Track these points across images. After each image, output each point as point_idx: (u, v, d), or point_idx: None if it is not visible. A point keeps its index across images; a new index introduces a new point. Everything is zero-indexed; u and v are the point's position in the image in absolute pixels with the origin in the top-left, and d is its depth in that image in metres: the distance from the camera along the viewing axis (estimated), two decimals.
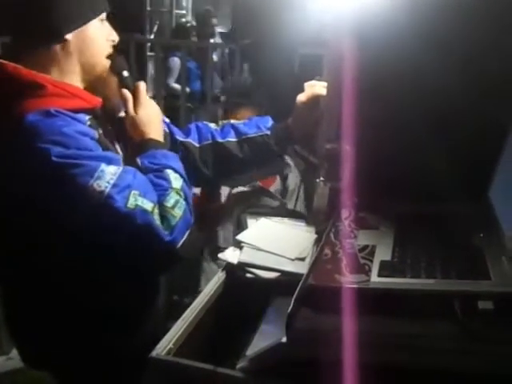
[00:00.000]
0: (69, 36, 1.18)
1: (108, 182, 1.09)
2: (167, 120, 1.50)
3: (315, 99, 1.44)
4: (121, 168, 1.14)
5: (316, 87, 1.45)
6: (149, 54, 4.38)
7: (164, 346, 1.07)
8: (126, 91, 1.32)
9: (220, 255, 1.37)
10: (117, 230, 1.11)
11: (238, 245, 1.39)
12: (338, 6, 1.24)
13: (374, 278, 0.99)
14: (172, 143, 1.45)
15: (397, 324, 0.92)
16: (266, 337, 1.09)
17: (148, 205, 1.11)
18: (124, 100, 1.32)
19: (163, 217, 1.13)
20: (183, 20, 5.45)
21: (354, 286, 0.96)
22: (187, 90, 3.45)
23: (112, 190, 1.09)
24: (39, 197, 1.11)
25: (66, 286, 1.23)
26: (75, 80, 1.22)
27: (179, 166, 1.26)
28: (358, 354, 0.91)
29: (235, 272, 1.33)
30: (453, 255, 1.04)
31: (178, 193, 1.18)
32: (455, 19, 1.18)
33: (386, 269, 1.01)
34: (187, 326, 1.15)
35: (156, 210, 1.12)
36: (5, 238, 1.22)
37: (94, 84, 1.26)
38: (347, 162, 1.29)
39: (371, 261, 1.05)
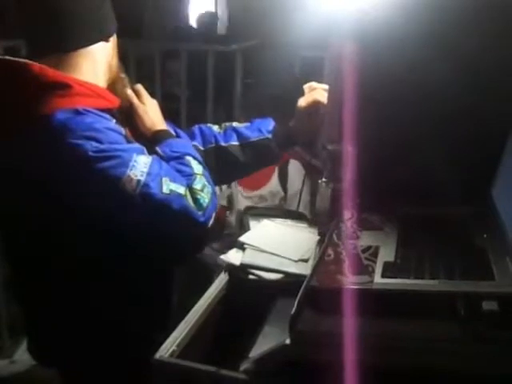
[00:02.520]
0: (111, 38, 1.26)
1: (142, 171, 1.13)
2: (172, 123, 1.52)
3: (315, 105, 1.45)
4: (150, 157, 1.18)
5: (316, 92, 1.46)
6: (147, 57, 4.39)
7: (167, 348, 1.07)
8: (129, 91, 1.38)
9: (222, 257, 1.37)
10: (156, 216, 1.15)
11: (241, 246, 1.39)
12: (340, 8, 1.24)
13: (378, 278, 0.99)
14: None
15: (400, 325, 0.92)
16: (270, 338, 1.09)
17: (181, 189, 1.16)
18: (129, 97, 1.38)
19: (195, 199, 1.17)
20: (183, 23, 5.47)
21: (358, 287, 0.96)
22: (187, 93, 3.45)
23: (147, 178, 1.13)
24: (77, 192, 1.14)
25: (90, 284, 1.25)
26: (100, 80, 1.26)
27: (196, 153, 1.32)
28: (362, 355, 0.91)
29: (238, 273, 1.32)
30: (456, 256, 1.04)
31: (202, 177, 1.23)
32: (457, 21, 1.18)
33: (389, 270, 1.01)
34: (190, 327, 1.14)
35: (188, 193, 1.17)
36: (38, 234, 1.24)
37: (111, 84, 1.31)
38: (349, 163, 1.29)
39: (374, 262, 1.05)
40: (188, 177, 1.21)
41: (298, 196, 2.63)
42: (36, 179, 1.14)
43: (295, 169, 2.60)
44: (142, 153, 1.18)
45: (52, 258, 1.25)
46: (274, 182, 2.63)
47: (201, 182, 1.21)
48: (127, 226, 1.16)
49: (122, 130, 1.21)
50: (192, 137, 1.53)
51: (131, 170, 1.12)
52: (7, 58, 1.18)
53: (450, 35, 1.18)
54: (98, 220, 1.16)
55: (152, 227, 1.16)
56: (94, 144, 1.11)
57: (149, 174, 1.13)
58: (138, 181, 1.12)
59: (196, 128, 1.55)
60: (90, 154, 1.10)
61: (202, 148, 1.51)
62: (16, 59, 1.17)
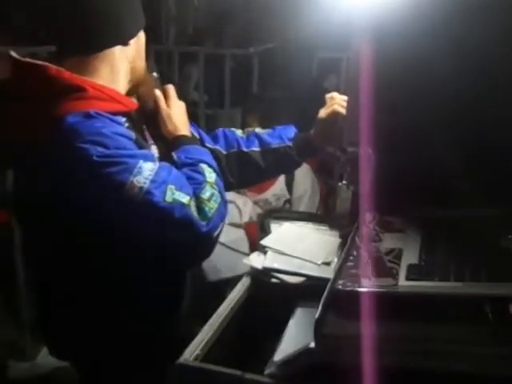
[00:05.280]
0: (132, 41, 1.26)
1: (146, 178, 1.13)
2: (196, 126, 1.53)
3: (334, 115, 1.47)
4: (157, 164, 1.18)
5: (335, 102, 1.47)
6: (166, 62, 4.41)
7: (191, 352, 1.07)
8: (157, 90, 1.38)
9: (244, 260, 1.37)
10: (157, 223, 1.14)
11: (263, 250, 1.39)
12: (355, 7, 1.24)
13: (402, 281, 0.98)
14: None
15: (425, 329, 0.91)
16: (293, 342, 1.08)
17: (185, 198, 1.15)
18: (156, 98, 1.38)
19: (200, 208, 1.16)
20: (199, 27, 5.48)
21: (382, 290, 0.96)
22: (205, 96, 3.46)
23: (150, 186, 1.12)
24: (80, 195, 1.15)
25: (101, 281, 1.26)
26: (114, 85, 1.26)
27: (212, 160, 1.31)
28: (386, 359, 0.91)
29: (260, 277, 1.33)
30: (482, 257, 1.03)
31: (212, 186, 1.22)
32: (472, 16, 1.17)
33: (413, 272, 1.00)
34: (214, 331, 1.15)
35: (192, 203, 1.16)
36: (44, 234, 1.27)
37: (133, 88, 1.32)
38: (370, 166, 1.29)
39: (398, 264, 1.04)
40: (197, 185, 1.20)
41: (306, 198, 2.64)
42: (46, 178, 1.17)
43: (302, 172, 2.61)
44: (149, 159, 1.18)
45: (58, 256, 1.28)
46: (277, 186, 2.64)
47: (209, 191, 1.20)
48: (129, 231, 1.17)
49: (133, 135, 1.21)
50: (215, 140, 1.54)
51: (135, 176, 1.12)
52: (27, 60, 1.20)
53: (466, 30, 1.17)
54: (101, 223, 1.16)
55: (154, 234, 1.16)
56: (100, 149, 1.12)
57: (153, 181, 1.13)
58: (141, 188, 1.12)
59: (220, 131, 1.56)
60: (95, 158, 1.11)
61: (224, 152, 1.52)
62: (34, 61, 1.19)
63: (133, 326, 1.31)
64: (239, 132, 1.57)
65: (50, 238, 1.27)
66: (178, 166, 1.24)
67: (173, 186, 1.15)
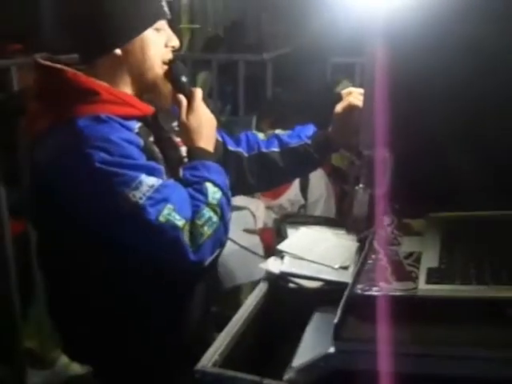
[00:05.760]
0: (117, 50, 1.22)
1: (144, 194, 1.12)
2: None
3: (351, 109, 1.45)
4: (160, 181, 1.16)
5: (352, 96, 1.45)
6: None
7: (210, 358, 1.07)
8: (181, 96, 1.33)
9: (261, 265, 1.36)
10: (146, 241, 1.15)
11: (279, 254, 1.38)
12: (369, 11, 1.24)
13: (422, 285, 0.97)
14: (223, 152, 1.48)
15: (447, 333, 0.90)
16: (312, 347, 1.07)
17: (180, 221, 1.13)
18: (178, 105, 1.33)
19: (192, 234, 1.15)
20: (213, 34, 5.51)
21: (402, 293, 0.95)
22: (219, 103, 3.47)
23: (146, 202, 1.12)
24: (77, 198, 1.17)
25: (102, 289, 1.28)
26: (126, 88, 1.26)
27: (220, 178, 1.26)
28: (407, 364, 0.89)
29: (277, 282, 1.32)
30: (503, 260, 1.01)
31: (213, 208, 1.19)
32: (488, 20, 1.15)
33: (434, 275, 0.99)
34: (232, 336, 1.14)
35: (187, 227, 1.14)
36: (48, 238, 1.31)
37: (146, 91, 1.30)
38: (387, 169, 1.28)
39: (418, 268, 1.03)
40: (196, 208, 1.18)
41: (321, 203, 2.63)
42: (47, 178, 1.19)
43: (316, 177, 2.60)
44: (153, 174, 1.16)
45: (59, 256, 1.30)
46: (292, 191, 2.63)
47: (206, 216, 1.17)
48: (121, 243, 1.18)
49: (142, 142, 1.20)
50: (238, 143, 1.54)
51: (133, 190, 1.12)
52: (47, 63, 1.23)
53: (484, 35, 1.16)
54: (92, 229, 1.18)
55: (143, 249, 1.17)
56: (103, 155, 1.12)
57: (150, 197, 1.12)
58: (136, 202, 1.11)
59: (243, 134, 1.56)
60: (97, 164, 1.12)
61: (245, 154, 1.52)
62: (53, 65, 1.22)
63: (139, 334, 1.31)
64: (261, 135, 1.57)
65: (54, 243, 1.29)
66: (183, 183, 1.22)
67: (172, 206, 1.13)
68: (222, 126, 1.48)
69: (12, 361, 2.56)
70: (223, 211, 1.21)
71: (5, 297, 2.43)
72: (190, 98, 1.33)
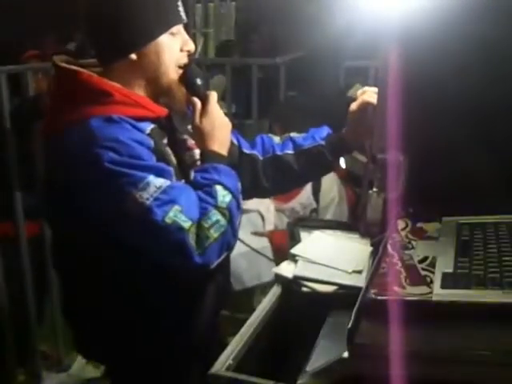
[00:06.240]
0: (133, 55, 1.23)
1: (151, 195, 1.13)
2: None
3: (365, 107, 1.44)
4: (168, 182, 1.16)
5: (366, 94, 1.45)
6: None
7: (223, 362, 1.07)
8: (195, 99, 1.32)
9: (275, 269, 1.36)
10: (152, 242, 1.15)
11: (293, 258, 1.38)
12: (383, 14, 1.23)
13: (437, 289, 0.96)
14: (238, 154, 1.49)
15: (462, 337, 0.89)
16: (326, 352, 1.07)
17: (186, 223, 1.13)
18: (193, 108, 1.32)
19: (198, 236, 1.15)
20: (226, 38, 5.53)
21: (417, 298, 0.94)
22: (233, 107, 3.48)
23: (153, 203, 1.12)
24: (88, 198, 1.18)
25: (113, 288, 1.28)
26: (141, 92, 1.28)
27: (231, 182, 1.26)
28: (422, 368, 0.89)
29: (291, 286, 1.32)
30: None
31: (221, 211, 1.19)
32: (501, 23, 1.15)
33: (449, 280, 0.98)
34: (245, 341, 1.14)
35: (193, 229, 1.14)
36: (61, 239, 1.32)
37: (161, 95, 1.31)
38: (401, 172, 1.27)
39: (432, 272, 1.02)
40: (204, 210, 1.17)
41: (333, 207, 2.62)
42: (58, 178, 1.21)
43: (328, 180, 2.59)
44: (162, 175, 1.16)
45: (70, 254, 1.31)
46: (304, 194, 2.62)
47: (213, 218, 1.17)
48: (127, 242, 1.19)
49: (152, 143, 1.21)
50: (253, 146, 1.54)
51: (140, 190, 1.12)
52: (63, 64, 1.26)
53: (498, 37, 1.15)
54: (101, 228, 1.19)
55: (147, 249, 1.17)
56: (112, 155, 1.13)
57: (157, 198, 1.12)
58: (143, 203, 1.12)
59: (258, 138, 1.57)
60: (105, 164, 1.13)
61: (260, 158, 1.52)
62: (68, 66, 1.25)
63: (150, 334, 1.32)
64: (276, 139, 1.57)
65: (67, 242, 1.31)
66: (193, 185, 1.22)
67: (179, 208, 1.13)
68: (235, 130, 1.47)
69: (27, 364, 2.59)
70: (232, 215, 1.20)
71: (20, 300, 2.45)
72: (205, 101, 1.32)
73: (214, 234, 1.16)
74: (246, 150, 1.51)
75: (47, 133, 1.26)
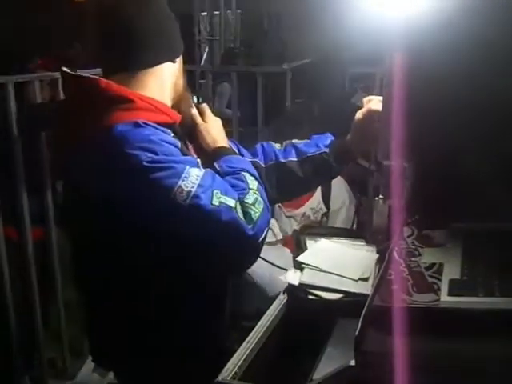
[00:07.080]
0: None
1: (194, 183, 1.16)
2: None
3: (371, 114, 1.45)
4: (203, 170, 1.21)
5: (371, 102, 1.45)
6: (200, 81, 4.48)
7: (229, 370, 1.06)
8: (193, 108, 1.43)
9: (281, 277, 1.36)
10: (204, 227, 1.17)
11: (299, 266, 1.37)
12: (388, 20, 1.23)
13: (445, 297, 0.95)
14: None
15: (470, 345, 0.89)
16: (333, 359, 1.07)
17: (231, 201, 1.17)
18: (192, 115, 1.42)
19: (245, 212, 1.18)
20: (231, 46, 5.55)
21: (424, 305, 0.94)
22: (238, 114, 3.49)
23: (198, 190, 1.15)
24: (130, 200, 1.18)
25: (145, 291, 1.28)
26: (167, 97, 1.32)
27: (253, 169, 1.34)
28: (429, 376, 0.88)
29: (297, 294, 1.31)
30: None
31: (255, 192, 1.24)
32: (507, 28, 1.14)
33: (456, 287, 0.97)
34: (252, 349, 1.14)
35: (238, 206, 1.18)
36: (94, 239, 1.30)
37: (176, 101, 1.36)
38: (406, 179, 1.27)
39: (439, 279, 1.02)
40: (241, 191, 1.22)
41: (344, 211, 2.62)
42: (94, 185, 1.20)
43: (338, 185, 2.59)
44: (195, 166, 1.21)
45: (104, 260, 1.30)
46: (314, 200, 2.63)
47: (253, 197, 1.22)
48: (178, 235, 1.19)
49: (179, 144, 1.25)
50: (254, 154, 1.56)
51: (183, 181, 1.15)
52: (78, 74, 1.28)
53: (504, 43, 1.15)
54: (149, 227, 1.19)
55: (202, 237, 1.18)
56: (149, 155, 1.15)
57: (200, 185, 1.16)
58: (189, 192, 1.14)
59: (258, 145, 1.58)
60: (145, 164, 1.14)
61: (263, 165, 1.53)
62: (86, 75, 1.26)
63: (172, 339, 1.32)
64: (277, 145, 1.58)
65: (98, 249, 1.29)
66: (221, 174, 1.27)
67: (218, 191, 1.17)
68: (240, 137, 1.51)
69: (33, 371, 2.59)
70: (263, 196, 1.26)
71: (26, 307, 2.46)
72: (200, 110, 1.44)
73: (258, 209, 1.20)
74: (248, 159, 1.52)
75: (68, 141, 1.26)
